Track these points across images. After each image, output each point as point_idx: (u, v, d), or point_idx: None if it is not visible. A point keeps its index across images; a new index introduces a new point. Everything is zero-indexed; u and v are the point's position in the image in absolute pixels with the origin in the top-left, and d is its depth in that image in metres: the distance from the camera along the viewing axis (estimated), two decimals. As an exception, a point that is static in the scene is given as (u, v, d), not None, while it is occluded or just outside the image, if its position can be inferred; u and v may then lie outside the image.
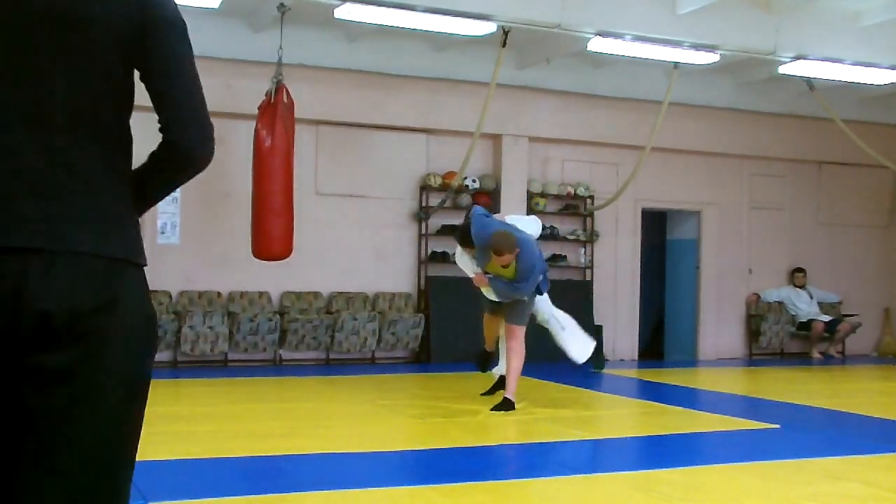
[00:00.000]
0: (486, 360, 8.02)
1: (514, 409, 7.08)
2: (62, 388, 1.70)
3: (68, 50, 1.77)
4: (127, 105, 1.93)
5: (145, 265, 1.89)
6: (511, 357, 7.32)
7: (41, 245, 1.71)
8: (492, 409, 7.04)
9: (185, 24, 1.99)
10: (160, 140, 1.92)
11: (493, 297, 7.37)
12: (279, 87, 9.04)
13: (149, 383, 1.90)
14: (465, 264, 7.65)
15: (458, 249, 7.74)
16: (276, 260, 9.35)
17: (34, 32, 1.74)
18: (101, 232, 1.79)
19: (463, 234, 7.45)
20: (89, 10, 1.76)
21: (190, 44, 2.00)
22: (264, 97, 9.13)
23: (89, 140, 1.81)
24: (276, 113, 9.01)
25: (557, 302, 8.51)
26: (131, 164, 1.92)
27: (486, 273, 7.18)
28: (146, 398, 1.90)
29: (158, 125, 1.92)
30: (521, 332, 7.41)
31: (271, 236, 9.12)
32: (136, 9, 1.83)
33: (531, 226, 7.81)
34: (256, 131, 9.06)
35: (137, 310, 1.83)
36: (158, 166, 1.96)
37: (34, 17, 1.74)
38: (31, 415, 1.68)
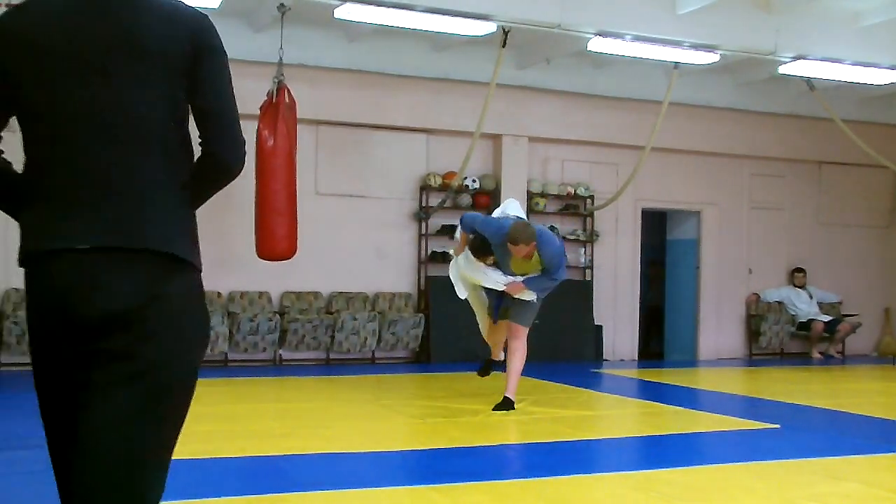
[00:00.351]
0: (490, 369, 7.99)
1: (513, 408, 7.08)
2: (123, 365, 2.00)
3: (136, 77, 2.07)
4: (184, 121, 2.17)
5: (200, 270, 2.18)
6: (514, 357, 7.31)
7: (118, 244, 2.01)
8: (493, 409, 7.04)
9: (226, 54, 2.33)
10: (202, 154, 2.19)
11: (526, 297, 7.30)
12: (280, 87, 9.04)
13: (195, 373, 2.15)
14: (473, 274, 7.42)
15: (457, 267, 7.58)
16: (280, 260, 9.34)
17: (110, 62, 2.05)
18: (167, 232, 2.08)
19: (482, 242, 7.20)
20: (153, 44, 2.08)
21: (229, 70, 2.33)
22: (266, 97, 9.13)
23: (155, 153, 2.10)
24: (277, 113, 9.00)
25: (557, 301, 8.48)
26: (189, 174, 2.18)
27: (514, 275, 7.16)
28: (193, 388, 2.16)
29: (199, 139, 2.19)
30: (525, 332, 7.44)
31: (275, 236, 9.12)
32: (188, 42, 2.15)
33: (520, 210, 7.85)
34: (259, 132, 9.05)
35: (190, 305, 2.12)
36: (198, 176, 2.20)
37: (110, 50, 2.05)
38: (95, 385, 1.99)
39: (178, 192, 2.14)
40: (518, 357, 7.34)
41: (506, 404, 7.10)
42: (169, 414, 2.08)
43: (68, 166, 2.07)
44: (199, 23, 2.22)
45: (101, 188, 2.04)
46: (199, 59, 2.18)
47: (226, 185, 2.28)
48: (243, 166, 2.26)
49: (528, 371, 8.53)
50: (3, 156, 2.26)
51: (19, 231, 2.16)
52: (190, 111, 2.19)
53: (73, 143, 2.06)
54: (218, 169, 2.21)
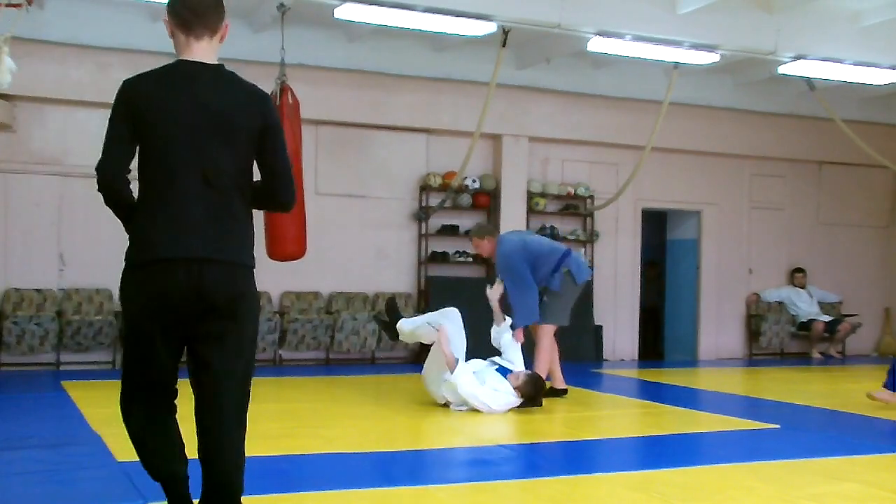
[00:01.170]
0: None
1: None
2: (219, 343, 3.01)
3: (225, 143, 3.01)
4: (251, 171, 3.13)
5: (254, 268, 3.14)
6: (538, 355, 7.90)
7: (213, 256, 2.96)
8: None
9: (282, 126, 3.21)
10: (261, 187, 3.18)
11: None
12: (284, 87, 9.04)
13: (257, 337, 3.19)
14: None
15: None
16: (291, 260, 9.35)
17: (208, 132, 3.00)
18: (242, 250, 3.05)
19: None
20: (237, 121, 3.04)
21: (284, 136, 3.21)
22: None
23: (235, 194, 3.05)
24: (282, 114, 9.01)
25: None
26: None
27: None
28: (256, 344, 3.20)
29: (263, 181, 3.18)
30: (549, 330, 7.93)
31: (286, 237, 9.13)
32: (261, 120, 3.10)
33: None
34: (263, 132, 9.06)
35: (256, 297, 3.13)
36: (263, 208, 3.29)
37: (209, 124, 3.00)
38: (203, 359, 3.05)
39: (246, 221, 3.11)
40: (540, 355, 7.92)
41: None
42: (248, 369, 3.15)
43: (175, 199, 2.96)
44: (267, 104, 3.17)
45: (203, 218, 2.97)
46: (266, 132, 3.10)
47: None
48: (296, 202, 3.28)
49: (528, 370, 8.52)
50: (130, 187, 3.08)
51: (134, 242, 3.03)
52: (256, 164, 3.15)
53: (180, 184, 2.97)
54: (282, 209, 3.27)
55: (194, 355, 3.08)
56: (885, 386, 7.57)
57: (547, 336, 7.91)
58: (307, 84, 9.97)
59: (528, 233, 8.87)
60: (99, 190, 3.05)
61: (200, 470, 3.24)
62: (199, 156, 2.98)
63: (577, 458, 5.56)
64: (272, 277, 10.32)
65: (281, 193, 3.18)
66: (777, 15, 9.63)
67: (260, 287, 10.44)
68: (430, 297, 10.96)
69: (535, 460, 5.45)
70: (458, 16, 8.66)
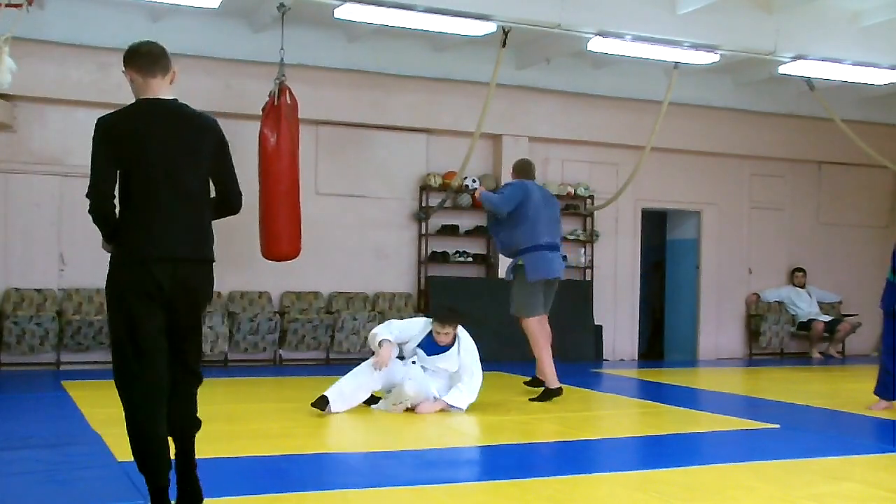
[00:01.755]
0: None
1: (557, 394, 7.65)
2: (191, 312, 3.76)
3: (191, 164, 3.74)
4: (209, 184, 3.84)
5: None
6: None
7: (189, 256, 3.71)
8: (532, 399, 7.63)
9: (228, 146, 3.94)
10: (218, 200, 3.91)
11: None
12: (282, 87, 9.05)
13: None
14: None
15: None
16: (285, 260, 9.37)
17: (178, 157, 3.70)
18: (207, 249, 3.79)
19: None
20: (198, 146, 3.78)
21: (230, 154, 3.95)
22: (267, 98, 9.14)
23: (202, 205, 3.78)
24: (280, 114, 9.01)
25: (557, 303, 8.44)
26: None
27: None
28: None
29: (218, 194, 3.90)
30: (526, 323, 7.80)
31: (280, 237, 9.15)
32: (214, 144, 3.85)
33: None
34: (261, 133, 9.07)
35: (212, 284, 3.88)
36: (218, 214, 3.94)
37: (178, 150, 3.71)
38: (180, 322, 3.73)
39: (210, 226, 3.83)
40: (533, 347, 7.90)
41: (546, 395, 7.70)
42: (201, 336, 3.92)
43: (159, 212, 3.64)
44: (218, 130, 3.89)
45: (179, 225, 3.67)
46: (219, 153, 3.86)
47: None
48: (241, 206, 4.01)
49: (528, 371, 8.54)
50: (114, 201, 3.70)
51: (122, 246, 3.67)
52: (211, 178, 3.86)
53: (160, 202, 3.64)
54: (231, 212, 3.98)
55: (169, 327, 3.73)
56: (876, 393, 7.58)
57: (527, 327, 7.84)
58: (307, 84, 9.98)
59: (548, 197, 8.25)
60: (91, 211, 3.65)
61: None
62: (172, 176, 3.66)
63: (577, 458, 5.56)
64: (272, 277, 10.34)
65: (234, 202, 3.95)
66: (777, 15, 9.63)
67: (260, 287, 10.49)
68: (429, 297, 10.96)
69: (534, 460, 5.45)
70: (458, 16, 8.66)
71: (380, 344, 6.83)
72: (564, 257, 9.12)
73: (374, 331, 7.05)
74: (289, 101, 9.08)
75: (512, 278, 7.87)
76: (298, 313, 10.38)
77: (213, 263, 3.80)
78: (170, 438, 3.75)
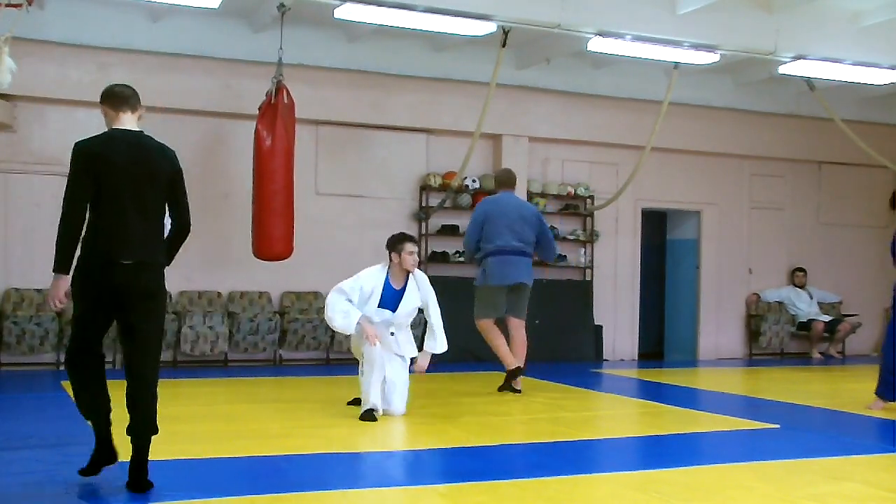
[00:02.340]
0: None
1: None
2: (145, 317, 4.37)
3: (152, 186, 4.42)
4: (164, 207, 4.53)
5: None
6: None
7: (146, 260, 4.37)
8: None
9: (182, 172, 4.63)
10: (173, 223, 4.61)
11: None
12: (279, 87, 9.05)
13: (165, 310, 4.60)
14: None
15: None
16: (277, 260, 9.36)
17: (141, 179, 4.38)
18: (159, 255, 4.47)
19: None
20: (158, 171, 4.45)
21: (183, 179, 4.65)
22: (264, 97, 9.14)
23: (156, 220, 4.48)
24: (276, 113, 9.01)
25: (557, 303, 8.47)
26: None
27: None
28: (164, 317, 4.61)
29: (171, 217, 4.59)
30: (477, 323, 8.21)
31: (272, 237, 9.14)
32: (171, 168, 4.54)
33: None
34: (257, 132, 9.07)
35: (164, 286, 4.52)
36: (173, 236, 4.61)
37: (143, 175, 4.39)
38: (134, 327, 4.36)
39: (163, 237, 4.52)
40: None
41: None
42: (160, 326, 4.54)
43: (121, 225, 4.33)
44: (174, 159, 4.58)
45: (138, 235, 4.36)
46: (174, 178, 4.56)
47: (186, 239, 4.70)
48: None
49: (528, 371, 8.54)
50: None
51: (87, 252, 4.33)
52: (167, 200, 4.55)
53: (125, 215, 4.35)
54: (185, 232, 4.66)
55: (128, 324, 4.38)
56: (877, 393, 7.59)
57: (479, 328, 8.23)
58: (307, 84, 9.99)
59: (513, 205, 8.35)
60: (64, 218, 4.28)
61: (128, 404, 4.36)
62: (135, 196, 4.37)
63: (577, 458, 5.56)
64: (272, 277, 10.34)
65: (185, 221, 4.63)
66: (777, 15, 9.63)
67: (260, 287, 10.48)
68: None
69: (535, 460, 5.45)
70: (458, 16, 8.66)
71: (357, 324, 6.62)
72: (567, 256, 9.14)
73: (333, 307, 6.66)
74: (285, 101, 9.08)
75: (476, 282, 8.33)
76: (298, 313, 10.38)
77: (164, 267, 4.54)
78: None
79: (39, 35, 9.25)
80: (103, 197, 4.31)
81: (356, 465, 5.15)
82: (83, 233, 4.32)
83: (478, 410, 7.00)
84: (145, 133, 4.55)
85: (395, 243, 6.94)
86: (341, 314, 6.64)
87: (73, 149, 4.39)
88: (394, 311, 6.81)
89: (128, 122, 4.53)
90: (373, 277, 6.84)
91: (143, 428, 4.32)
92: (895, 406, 7.50)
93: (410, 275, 6.93)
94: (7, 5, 6.96)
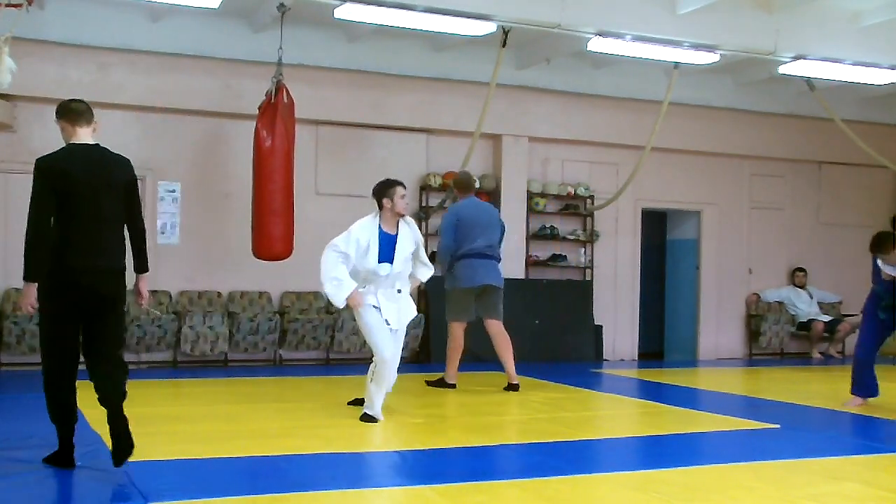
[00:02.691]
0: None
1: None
2: (105, 320, 4.72)
3: (110, 197, 4.71)
4: (123, 214, 4.83)
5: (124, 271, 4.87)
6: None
7: (108, 267, 4.75)
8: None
9: (137, 181, 4.95)
10: (129, 229, 4.90)
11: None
12: (279, 87, 9.05)
13: (125, 314, 5.01)
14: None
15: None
16: (276, 260, 9.36)
17: (101, 190, 4.68)
18: (119, 260, 4.79)
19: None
20: (115, 181, 4.74)
21: (138, 187, 4.95)
22: (264, 97, 9.14)
23: (118, 228, 4.78)
24: (276, 113, 9.01)
25: (557, 303, 8.47)
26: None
27: None
28: (125, 319, 5.47)
29: (128, 223, 4.88)
30: (449, 326, 8.37)
31: (272, 236, 9.14)
32: (127, 178, 4.82)
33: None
34: (257, 132, 9.07)
35: (125, 290, 4.83)
36: (133, 242, 4.92)
37: (101, 185, 4.69)
38: (98, 326, 4.72)
39: (124, 243, 4.85)
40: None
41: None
42: (122, 324, 4.99)
43: (86, 234, 4.68)
44: (129, 168, 4.89)
45: (101, 244, 4.72)
46: (130, 187, 4.86)
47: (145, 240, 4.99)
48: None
49: (528, 371, 8.54)
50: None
51: (59, 259, 4.66)
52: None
53: (88, 224, 4.68)
54: (142, 237, 4.94)
55: (92, 324, 4.72)
56: (853, 392, 7.67)
57: (449, 330, 8.39)
58: (307, 84, 9.98)
59: (482, 210, 8.50)
60: (30, 231, 4.67)
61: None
62: (96, 206, 4.68)
63: (577, 458, 5.56)
64: (272, 277, 10.33)
65: (140, 226, 4.94)
66: (777, 15, 9.63)
67: (260, 287, 10.46)
68: (429, 297, 10.96)
69: (535, 460, 5.45)
70: (458, 16, 8.66)
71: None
72: (567, 256, 9.16)
73: (327, 271, 6.57)
74: (285, 101, 9.08)
75: (447, 287, 8.41)
76: (298, 313, 10.38)
77: (125, 272, 4.85)
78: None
79: (39, 35, 9.25)
80: (65, 208, 4.63)
81: (356, 465, 5.15)
82: (49, 242, 4.65)
83: (478, 410, 7.00)
84: (101, 145, 4.87)
85: (386, 188, 6.69)
86: (333, 282, 6.49)
87: (35, 165, 4.68)
88: (391, 262, 6.63)
89: (84, 136, 4.83)
90: (366, 228, 6.63)
91: (114, 393, 4.66)
92: (894, 406, 7.50)
93: (401, 219, 6.77)
94: (7, 5, 6.96)
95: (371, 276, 6.63)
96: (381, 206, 6.72)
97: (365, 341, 10.42)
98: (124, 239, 4.86)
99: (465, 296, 8.25)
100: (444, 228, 8.38)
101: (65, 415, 4.74)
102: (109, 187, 4.72)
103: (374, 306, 6.61)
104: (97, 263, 4.66)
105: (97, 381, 4.67)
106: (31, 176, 4.71)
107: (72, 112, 4.85)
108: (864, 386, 7.66)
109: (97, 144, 4.85)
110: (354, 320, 10.32)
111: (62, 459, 4.78)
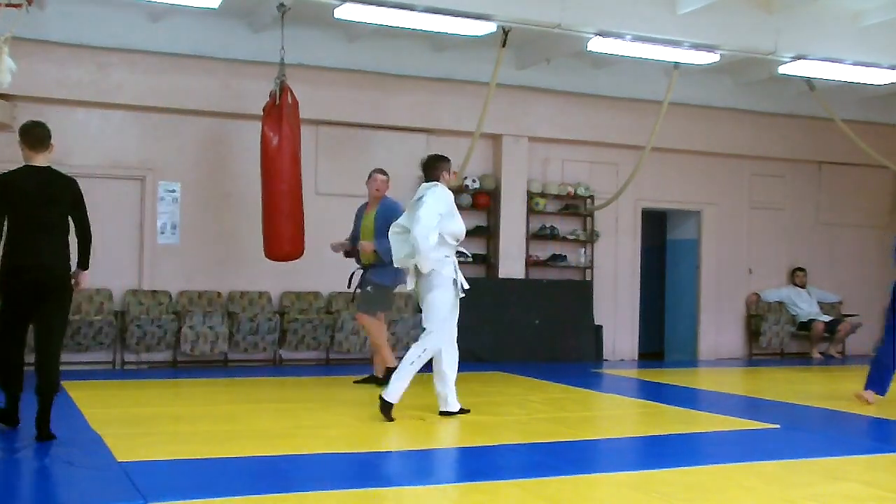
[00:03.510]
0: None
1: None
2: (47, 310, 5.64)
3: (53, 209, 5.66)
4: (68, 224, 5.73)
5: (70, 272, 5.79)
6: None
7: (51, 264, 5.65)
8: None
9: (83, 197, 5.82)
10: (78, 234, 5.80)
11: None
12: (283, 87, 9.04)
13: (70, 305, 5.89)
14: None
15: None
16: (288, 260, 9.39)
17: (45, 203, 5.64)
18: (60, 260, 5.69)
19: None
20: (60, 196, 5.70)
21: (84, 202, 5.81)
22: (268, 98, 9.14)
23: (61, 235, 5.70)
24: (281, 114, 9.02)
25: (557, 303, 8.48)
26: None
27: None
28: (70, 308, 5.93)
29: (77, 230, 5.78)
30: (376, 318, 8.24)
31: (283, 237, 9.16)
32: (71, 193, 5.73)
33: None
34: (263, 133, 9.07)
35: (70, 284, 5.75)
36: (79, 244, 5.81)
37: (46, 200, 5.64)
38: (42, 314, 5.64)
39: (67, 248, 5.68)
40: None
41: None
42: (65, 317, 5.76)
43: (30, 240, 5.56)
44: (73, 186, 5.72)
45: (43, 247, 5.57)
46: (76, 201, 5.72)
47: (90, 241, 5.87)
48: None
49: (528, 371, 8.53)
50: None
51: (4, 260, 5.57)
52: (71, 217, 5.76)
53: (32, 232, 5.57)
54: (88, 240, 5.79)
55: (40, 315, 5.61)
56: (867, 388, 7.67)
57: (375, 323, 8.29)
58: (307, 84, 9.98)
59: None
60: None
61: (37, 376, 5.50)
62: (40, 217, 5.58)
63: (577, 458, 5.56)
64: (272, 277, 10.34)
65: (86, 233, 5.80)
66: (777, 15, 9.63)
67: (260, 287, 10.47)
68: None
69: (535, 460, 5.45)
70: (458, 16, 8.66)
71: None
72: (567, 256, 9.11)
73: (429, 248, 6.42)
74: (290, 101, 9.09)
75: (388, 283, 8.13)
76: (298, 313, 10.38)
77: (69, 271, 5.72)
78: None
79: (39, 35, 9.25)
80: (15, 217, 5.55)
81: (356, 465, 5.15)
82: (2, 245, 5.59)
83: (478, 410, 7.00)
84: (51, 167, 5.76)
85: (445, 162, 6.74)
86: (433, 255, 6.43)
87: None
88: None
89: (39, 160, 5.68)
90: (447, 195, 6.56)
91: (48, 388, 5.53)
92: (893, 405, 7.50)
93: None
94: (7, 5, 6.95)
95: (450, 242, 6.56)
96: (437, 178, 6.65)
97: (364, 341, 10.50)
98: (67, 245, 5.71)
99: (392, 293, 8.31)
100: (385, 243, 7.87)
101: (9, 373, 5.67)
102: (53, 202, 5.63)
103: (453, 280, 6.57)
104: (39, 262, 5.55)
105: (37, 373, 5.54)
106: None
107: (31, 138, 5.67)
108: (881, 383, 7.65)
109: (48, 167, 5.72)
110: (355, 320, 10.40)
111: (6, 418, 5.75)
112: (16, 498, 4.22)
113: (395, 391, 6.44)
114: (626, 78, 11.73)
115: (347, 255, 8.63)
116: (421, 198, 6.54)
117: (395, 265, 6.91)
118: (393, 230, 6.74)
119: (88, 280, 6.02)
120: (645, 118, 11.11)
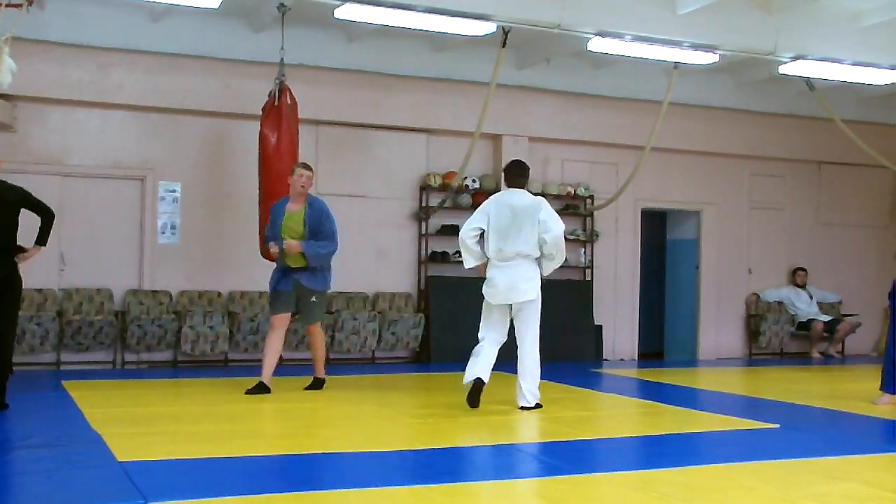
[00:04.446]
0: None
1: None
2: (7, 297, 6.68)
3: (7, 211, 6.69)
4: (17, 224, 6.78)
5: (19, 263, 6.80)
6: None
7: (3, 260, 6.69)
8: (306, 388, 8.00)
9: (29, 193, 6.83)
10: (42, 218, 6.92)
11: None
12: (282, 87, 9.05)
13: (21, 293, 6.92)
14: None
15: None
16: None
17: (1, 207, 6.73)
18: (8, 255, 6.70)
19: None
20: (9, 201, 6.68)
21: (32, 195, 6.87)
22: (267, 98, 9.14)
23: (12, 232, 6.73)
24: (280, 114, 9.02)
25: (557, 303, 8.46)
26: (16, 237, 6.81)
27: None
28: (22, 297, 6.98)
29: (39, 215, 6.90)
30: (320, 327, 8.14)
31: None
32: (20, 196, 6.75)
33: None
34: (261, 133, 9.07)
35: (19, 275, 6.79)
36: (42, 223, 6.92)
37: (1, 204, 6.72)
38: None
39: (16, 241, 6.73)
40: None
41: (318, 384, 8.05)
42: (16, 304, 6.82)
43: None
44: (19, 191, 6.72)
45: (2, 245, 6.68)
46: (25, 202, 6.76)
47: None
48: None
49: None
50: None
51: None
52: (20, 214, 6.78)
53: None
54: (50, 217, 6.94)
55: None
56: (883, 390, 7.65)
57: (320, 331, 8.17)
58: (307, 84, 9.99)
59: None
60: None
61: None
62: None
63: (577, 458, 5.56)
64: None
65: (47, 212, 6.87)
66: (777, 15, 9.64)
67: (260, 287, 10.47)
68: (429, 297, 10.97)
69: (535, 460, 5.45)
70: (458, 16, 8.66)
71: None
72: (567, 256, 9.09)
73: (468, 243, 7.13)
74: (289, 101, 9.09)
75: (328, 288, 8.00)
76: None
77: (17, 266, 6.68)
78: None
79: (39, 35, 9.25)
80: None
81: (356, 465, 5.15)
82: None
83: (478, 410, 7.00)
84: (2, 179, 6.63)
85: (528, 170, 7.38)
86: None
87: None
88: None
89: None
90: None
91: (2, 367, 6.53)
92: (893, 405, 7.50)
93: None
94: (7, 5, 6.96)
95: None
96: (523, 187, 7.26)
97: (364, 341, 10.51)
98: (15, 240, 6.67)
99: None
100: (335, 230, 7.94)
101: None
102: (6, 207, 6.57)
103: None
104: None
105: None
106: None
107: None
108: (893, 383, 7.65)
109: (3, 181, 6.66)
110: (355, 319, 10.41)
111: None
112: (16, 497, 4.22)
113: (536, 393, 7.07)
114: (625, 78, 11.73)
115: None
116: (525, 205, 7.03)
117: (467, 267, 7.31)
118: (471, 234, 7.09)
119: (36, 256, 6.87)
120: (645, 118, 11.11)
